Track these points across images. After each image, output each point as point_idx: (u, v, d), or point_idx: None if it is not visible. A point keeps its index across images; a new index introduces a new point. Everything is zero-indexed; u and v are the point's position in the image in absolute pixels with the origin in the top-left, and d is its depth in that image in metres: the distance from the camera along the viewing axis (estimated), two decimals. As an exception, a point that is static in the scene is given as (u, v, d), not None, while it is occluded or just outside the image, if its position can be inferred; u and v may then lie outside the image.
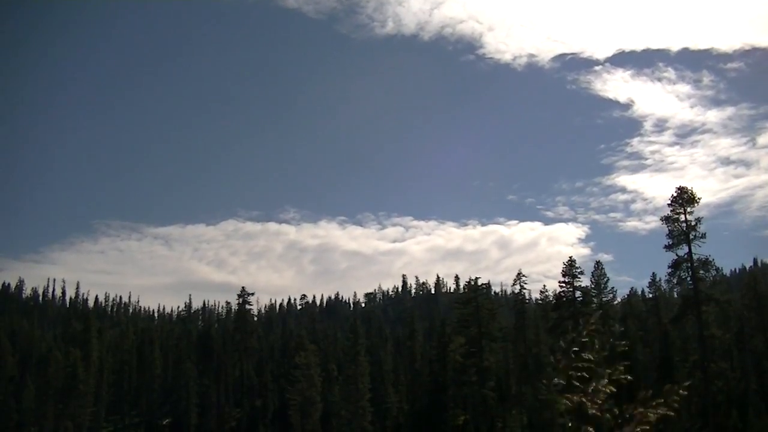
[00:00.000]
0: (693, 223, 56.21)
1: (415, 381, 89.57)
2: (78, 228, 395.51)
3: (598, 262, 73.94)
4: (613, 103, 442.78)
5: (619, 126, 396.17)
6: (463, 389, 73.11)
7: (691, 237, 55.96)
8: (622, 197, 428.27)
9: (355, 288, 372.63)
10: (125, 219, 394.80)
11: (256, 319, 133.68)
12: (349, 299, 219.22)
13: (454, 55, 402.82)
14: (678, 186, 58.71)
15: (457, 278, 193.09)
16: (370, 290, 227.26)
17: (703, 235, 56.10)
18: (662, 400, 4.75)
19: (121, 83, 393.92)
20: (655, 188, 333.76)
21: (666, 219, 57.41)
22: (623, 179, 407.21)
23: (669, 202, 57.81)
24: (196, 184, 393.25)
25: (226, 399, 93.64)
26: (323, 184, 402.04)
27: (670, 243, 56.71)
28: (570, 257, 65.99)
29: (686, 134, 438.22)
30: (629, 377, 4.88)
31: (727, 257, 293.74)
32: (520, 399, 75.67)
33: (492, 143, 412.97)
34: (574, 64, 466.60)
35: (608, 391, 4.84)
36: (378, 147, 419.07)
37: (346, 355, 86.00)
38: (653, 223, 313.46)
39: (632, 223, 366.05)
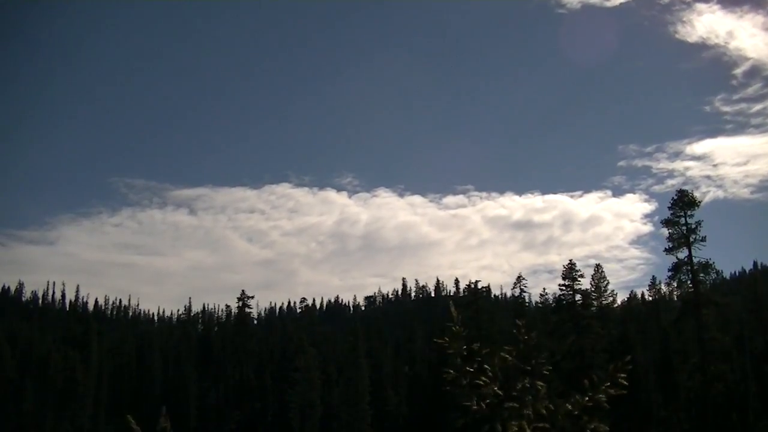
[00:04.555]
0: (693, 226, 56.40)
1: (414, 384, 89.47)
2: (93, 188, 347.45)
3: (597, 265, 73.99)
4: (698, 48, 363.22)
5: (703, 75, 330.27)
6: (462, 392, 72.97)
7: (692, 240, 56.13)
8: (693, 164, 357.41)
9: (403, 272, 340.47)
10: (150, 178, 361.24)
11: (255, 322, 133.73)
12: (349, 302, 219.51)
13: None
14: (678, 189, 59.02)
15: (457, 281, 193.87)
16: (415, 276, 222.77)
17: (704, 239, 56.34)
18: (609, 383, 4.81)
19: (156, 18, 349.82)
20: (733, 154, 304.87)
21: (666, 222, 57.64)
22: (699, 145, 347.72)
23: (669, 205, 58.18)
24: (239, 140, 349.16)
25: (225, 402, 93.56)
26: (384, 149, 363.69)
27: (670, 246, 56.88)
28: (570, 260, 66.01)
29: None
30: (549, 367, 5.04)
31: (728, 260, 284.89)
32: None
33: (547, 103, 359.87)
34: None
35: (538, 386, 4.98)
36: (436, 108, 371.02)
37: (345, 358, 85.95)
38: (728, 194, 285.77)
39: (709, 194, 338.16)
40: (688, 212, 56.96)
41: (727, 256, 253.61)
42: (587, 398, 4.81)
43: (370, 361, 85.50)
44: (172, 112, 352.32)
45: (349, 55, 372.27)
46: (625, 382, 4.79)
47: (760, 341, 67.28)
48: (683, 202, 57.22)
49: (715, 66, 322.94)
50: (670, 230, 57.08)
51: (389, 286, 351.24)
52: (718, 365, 55.20)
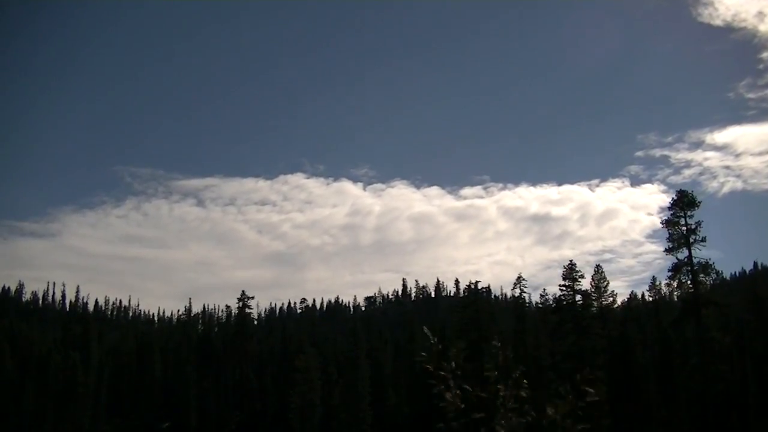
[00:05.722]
0: (693, 227, 56.45)
1: (415, 384, 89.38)
2: (97, 177, 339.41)
3: (597, 266, 73.96)
4: (723, 31, 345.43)
5: (727, 60, 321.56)
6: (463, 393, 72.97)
7: (692, 240, 56.18)
8: (713, 154, 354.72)
9: (415, 267, 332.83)
10: (157, 167, 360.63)
11: (256, 322, 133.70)
12: (349, 302, 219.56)
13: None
14: (678, 190, 59.05)
15: (457, 282, 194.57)
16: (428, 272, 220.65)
17: (704, 239, 56.37)
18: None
19: (171, 9, 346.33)
20: (756, 142, 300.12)
21: (666, 222, 57.71)
22: (721, 134, 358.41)
23: (669, 205, 58.28)
24: (253, 130, 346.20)
25: (225, 402, 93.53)
26: (401, 140, 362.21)
27: (671, 246, 56.94)
28: (570, 261, 66.02)
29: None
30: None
31: (733, 256, 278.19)
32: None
33: (565, 91, 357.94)
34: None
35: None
36: (454, 99, 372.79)
37: (346, 359, 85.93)
38: (747, 185, 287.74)
39: (727, 185, 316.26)
40: (688, 212, 57.04)
41: (740, 247, 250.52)
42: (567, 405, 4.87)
43: (370, 361, 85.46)
44: (182, 101, 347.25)
45: (369, 49, 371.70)
46: (591, 390, 4.86)
47: (760, 341, 67.25)
48: (683, 202, 57.28)
49: (740, 50, 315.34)
50: (670, 230, 57.20)
51: (401, 282, 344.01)
52: (718, 365, 55.20)
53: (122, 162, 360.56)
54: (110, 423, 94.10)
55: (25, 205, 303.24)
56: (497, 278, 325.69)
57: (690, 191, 58.13)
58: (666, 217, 58.07)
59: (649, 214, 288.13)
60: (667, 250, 57.10)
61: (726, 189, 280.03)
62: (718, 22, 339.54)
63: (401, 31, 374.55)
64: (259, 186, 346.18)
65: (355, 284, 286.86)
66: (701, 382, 54.43)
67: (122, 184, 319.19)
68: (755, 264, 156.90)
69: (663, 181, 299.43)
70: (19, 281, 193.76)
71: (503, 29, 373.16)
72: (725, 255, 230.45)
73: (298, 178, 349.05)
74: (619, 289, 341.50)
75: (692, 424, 57.64)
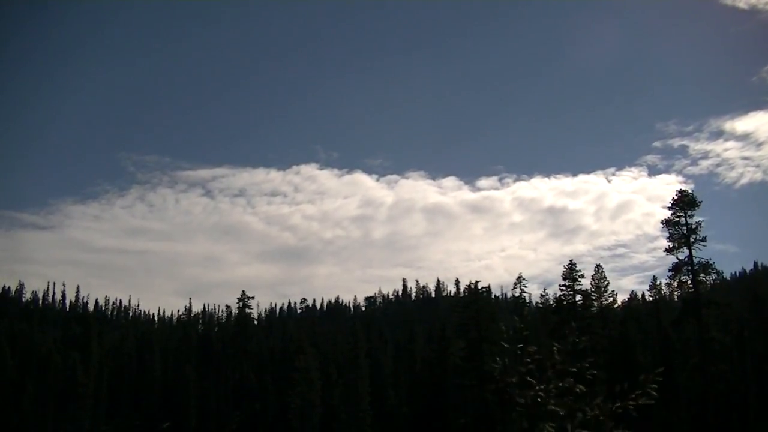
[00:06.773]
0: (693, 227, 56.48)
1: (415, 384, 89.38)
2: (99, 164, 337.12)
3: (598, 266, 73.87)
4: (746, 14, 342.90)
5: (750, 43, 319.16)
6: (463, 392, 73.00)
7: (692, 240, 56.19)
8: (733, 144, 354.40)
9: (427, 262, 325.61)
10: (162, 154, 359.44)
11: (256, 322, 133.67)
12: (349, 302, 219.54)
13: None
14: (678, 189, 59.05)
15: (457, 281, 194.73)
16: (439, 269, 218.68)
17: (704, 239, 56.40)
18: (640, 391, 4.83)
19: None
20: None
21: (667, 222, 57.71)
22: (741, 122, 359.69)
23: (669, 205, 58.26)
24: (266, 120, 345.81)
25: (225, 402, 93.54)
26: (418, 131, 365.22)
27: (671, 246, 56.95)
28: (570, 260, 65.97)
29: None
30: (595, 372, 5.06)
31: (743, 254, 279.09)
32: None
33: (584, 79, 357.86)
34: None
35: (576, 389, 5.00)
36: (471, 91, 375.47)
37: (346, 359, 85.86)
38: (767, 176, 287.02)
39: (746, 176, 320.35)
40: (689, 212, 57.06)
41: (756, 239, 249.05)
42: (617, 405, 4.83)
43: (370, 362, 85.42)
44: (191, 86, 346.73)
45: (387, 40, 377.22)
46: (654, 393, 4.81)
47: (760, 341, 67.25)
48: (683, 202, 57.31)
49: (765, 33, 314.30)
50: (670, 230, 57.23)
51: (411, 276, 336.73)
52: (719, 365, 55.19)
53: (126, 149, 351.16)
54: (110, 423, 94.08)
55: (25, 196, 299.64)
56: (509, 273, 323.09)
57: (690, 191, 58.26)
58: (667, 218, 58.09)
59: (665, 207, 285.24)
60: (668, 250, 57.17)
61: (744, 180, 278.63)
62: (742, 5, 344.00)
63: (417, 22, 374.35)
64: (271, 177, 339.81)
65: (365, 280, 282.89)
66: (701, 382, 54.41)
67: (125, 173, 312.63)
68: (755, 264, 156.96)
69: (680, 172, 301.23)
70: (20, 281, 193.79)
71: (519, 17, 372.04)
72: (740, 249, 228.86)
73: (310, 169, 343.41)
74: (631, 285, 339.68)
75: (692, 424, 57.61)
